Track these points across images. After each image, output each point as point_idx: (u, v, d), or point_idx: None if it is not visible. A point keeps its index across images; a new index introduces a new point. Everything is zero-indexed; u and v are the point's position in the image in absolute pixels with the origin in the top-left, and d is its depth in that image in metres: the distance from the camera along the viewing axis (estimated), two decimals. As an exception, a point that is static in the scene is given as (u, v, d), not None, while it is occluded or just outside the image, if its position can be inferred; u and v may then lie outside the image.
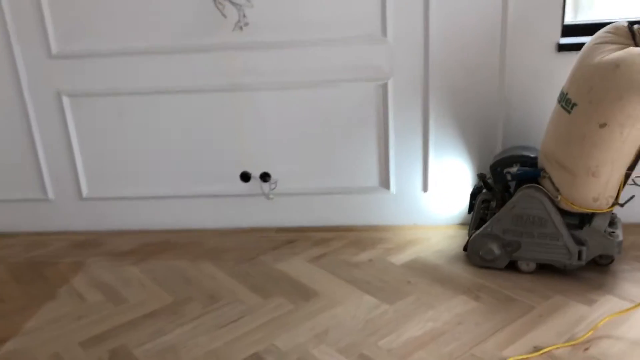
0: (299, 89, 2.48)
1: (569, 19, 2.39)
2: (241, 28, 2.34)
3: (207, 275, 2.33)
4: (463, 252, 2.33)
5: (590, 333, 1.80)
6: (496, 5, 2.28)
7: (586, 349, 1.74)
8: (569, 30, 2.35)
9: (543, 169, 2.09)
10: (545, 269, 2.16)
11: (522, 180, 2.14)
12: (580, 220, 2.11)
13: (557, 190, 2.04)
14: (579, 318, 1.89)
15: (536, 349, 1.76)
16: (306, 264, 2.36)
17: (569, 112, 1.94)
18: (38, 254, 2.59)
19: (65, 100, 2.57)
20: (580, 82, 1.92)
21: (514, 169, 2.15)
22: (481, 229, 2.19)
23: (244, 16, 2.32)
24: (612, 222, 2.15)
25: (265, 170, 2.63)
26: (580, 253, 2.08)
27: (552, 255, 2.11)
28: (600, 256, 2.15)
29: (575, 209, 2.04)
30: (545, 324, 1.88)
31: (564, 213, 2.08)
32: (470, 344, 1.80)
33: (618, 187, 2.01)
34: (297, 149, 2.58)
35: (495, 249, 2.17)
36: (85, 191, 2.72)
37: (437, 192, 2.58)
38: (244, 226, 2.72)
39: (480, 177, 2.35)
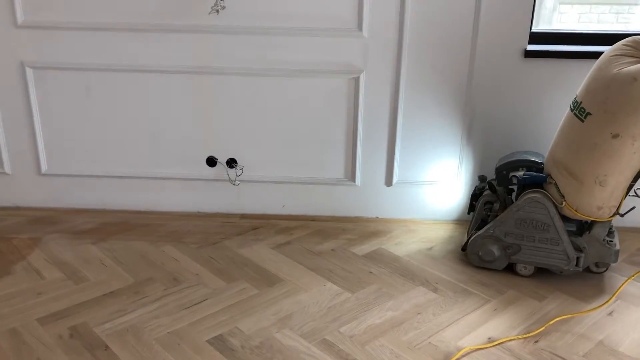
0: (270, 77, 2.49)
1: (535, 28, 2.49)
2: (217, 11, 2.33)
3: (169, 257, 2.32)
4: (461, 251, 2.38)
5: (542, 328, 1.90)
6: (469, 8, 2.35)
7: (536, 342, 1.84)
8: (536, 37, 2.45)
9: (549, 175, 2.12)
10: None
11: (528, 184, 2.18)
12: (579, 227, 2.18)
13: (562, 196, 2.07)
14: (530, 312, 1.99)
15: (491, 340, 1.84)
16: (270, 250, 2.39)
17: (582, 121, 1.97)
18: (-8, 228, 2.52)
19: (29, 72, 2.50)
20: (596, 92, 1.94)
21: (520, 173, 2.19)
22: (483, 230, 2.21)
23: (221, 0, 2.31)
24: (610, 232, 2.21)
25: (232, 156, 2.63)
26: (578, 259, 2.14)
27: (550, 260, 2.15)
28: (597, 264, 2.22)
29: (579, 216, 2.08)
30: (499, 317, 1.97)
31: (564, 219, 2.13)
32: (429, 333, 1.87)
33: (621, 198, 2.06)
34: (266, 136, 2.59)
35: (496, 250, 2.20)
36: (44, 167, 2.65)
37: (401, 187, 2.64)
38: (207, 211, 2.72)
39: (482, 178, 2.42)
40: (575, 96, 2.08)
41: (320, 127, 2.57)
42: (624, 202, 2.08)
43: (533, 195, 2.12)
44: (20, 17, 2.42)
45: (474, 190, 2.41)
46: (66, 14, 2.42)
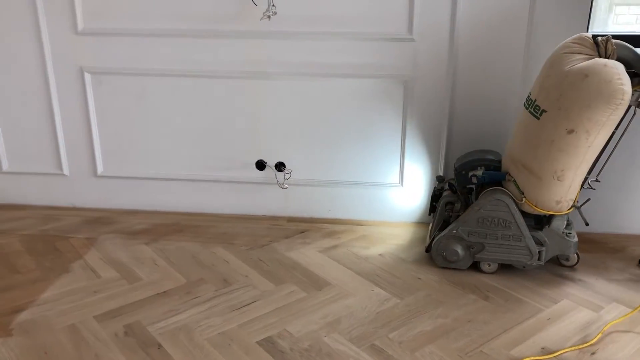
0: (320, 81, 2.51)
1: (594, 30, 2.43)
2: (269, 17, 2.37)
3: (220, 259, 2.36)
4: (426, 253, 2.39)
5: (597, 337, 1.85)
6: (523, 11, 2.31)
7: (593, 354, 1.79)
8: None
9: (508, 172, 2.17)
10: (506, 269, 2.21)
11: (487, 183, 2.23)
12: (538, 222, 2.22)
13: (522, 193, 2.12)
14: (586, 323, 1.94)
15: (544, 350, 1.80)
16: (318, 254, 2.40)
17: (538, 118, 2.03)
18: (51, 227, 2.61)
19: (87, 77, 2.59)
20: (549, 90, 2.00)
21: (479, 172, 2.22)
22: (446, 230, 2.24)
23: (273, 5, 2.34)
24: (568, 224, 2.25)
25: (281, 159, 2.66)
26: (540, 253, 2.18)
27: (514, 255, 2.20)
28: (559, 257, 2.30)
29: (538, 211, 2.13)
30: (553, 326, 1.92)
31: (523, 215, 2.17)
32: (480, 342, 1.84)
33: (578, 190, 2.12)
34: (315, 140, 2.61)
35: (460, 250, 2.22)
36: (100, 168, 2.74)
37: (449, 192, 2.61)
38: (255, 213, 2.76)
39: (440, 179, 2.45)
40: (528, 94, 2.12)
41: (368, 131, 2.57)
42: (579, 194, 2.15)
43: (492, 193, 2.15)
44: (80, 24, 2.51)
45: (433, 191, 2.44)
46: (123, 21, 2.50)
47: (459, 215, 2.25)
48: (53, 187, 2.78)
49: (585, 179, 2.13)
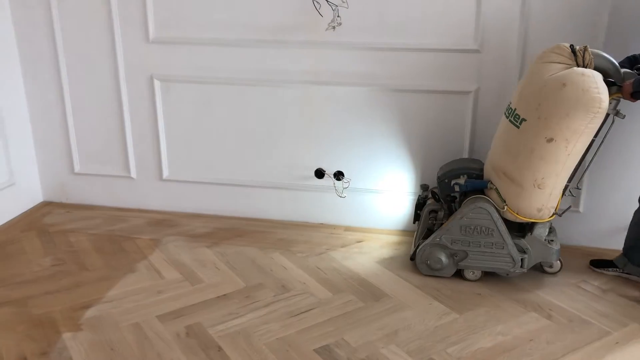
0: (381, 91, 2.51)
1: None
2: (334, 28, 2.39)
3: (278, 264, 2.39)
4: (410, 261, 2.38)
5: (668, 365, 1.76)
6: (600, 15, 2.24)
7: (664, 381, 1.71)
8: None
9: (490, 181, 2.18)
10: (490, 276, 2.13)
11: (469, 191, 2.22)
12: (521, 229, 2.21)
13: (504, 201, 2.12)
14: (656, 349, 1.85)
15: (611, 374, 1.73)
16: (375, 264, 2.39)
17: (518, 127, 2.03)
18: (118, 228, 2.72)
19: (157, 84, 2.69)
20: (529, 99, 2.00)
21: (462, 181, 2.23)
22: (429, 238, 2.25)
23: (338, 16, 2.37)
24: (550, 231, 2.24)
25: (340, 168, 2.67)
26: (522, 261, 2.18)
27: (497, 263, 2.20)
28: (542, 264, 2.30)
29: (520, 219, 2.13)
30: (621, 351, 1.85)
31: (506, 223, 2.17)
32: (542, 362, 1.79)
33: (559, 198, 2.12)
34: (375, 150, 2.61)
35: (444, 258, 2.23)
36: (165, 173, 2.83)
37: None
38: (312, 221, 2.77)
39: (424, 187, 2.46)
40: (509, 103, 2.12)
41: (429, 143, 2.55)
42: (560, 202, 2.15)
43: (474, 201, 2.17)
44: (152, 34, 2.61)
45: (417, 199, 2.45)
46: (191, 30, 2.58)
47: (442, 224, 2.26)
48: (121, 189, 2.89)
49: (566, 186, 2.13)
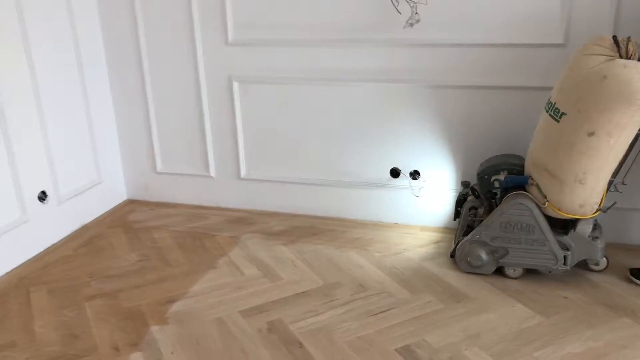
0: (459, 89, 2.47)
1: None
2: (412, 25, 2.37)
3: (354, 263, 2.39)
4: (450, 258, 2.36)
5: None
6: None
7: None
8: None
9: (530, 177, 2.13)
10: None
11: (510, 187, 2.19)
12: (564, 226, 2.16)
13: (545, 197, 2.08)
14: None
15: None
16: (453, 265, 2.35)
17: (558, 121, 1.99)
18: (198, 225, 2.81)
19: (235, 85, 2.75)
20: (569, 92, 1.97)
21: (502, 177, 2.22)
22: (469, 235, 2.23)
23: (416, 13, 2.34)
24: (595, 228, 2.18)
25: (416, 168, 2.65)
26: (565, 258, 2.13)
27: (538, 260, 2.16)
28: (588, 262, 2.23)
29: (562, 215, 2.07)
30: None
31: (549, 219, 2.12)
32: (638, 370, 1.71)
33: (602, 194, 2.05)
34: (451, 149, 2.57)
35: (484, 255, 2.20)
36: (243, 171, 2.89)
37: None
38: (387, 221, 2.76)
39: (465, 184, 2.44)
40: (549, 97, 2.08)
41: (509, 142, 2.47)
42: (605, 197, 2.08)
43: (515, 197, 2.14)
44: (231, 36, 2.68)
45: (458, 196, 2.42)
46: (269, 32, 2.62)
47: (482, 220, 2.22)
48: (200, 188, 2.98)
49: (611, 182, 2.06)
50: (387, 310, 2.06)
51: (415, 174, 2.65)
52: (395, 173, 2.68)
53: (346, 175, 2.75)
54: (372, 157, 2.69)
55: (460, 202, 2.42)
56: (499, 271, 2.23)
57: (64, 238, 2.67)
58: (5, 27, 2.31)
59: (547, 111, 2.08)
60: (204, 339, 1.94)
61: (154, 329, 1.99)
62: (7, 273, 2.37)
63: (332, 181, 2.78)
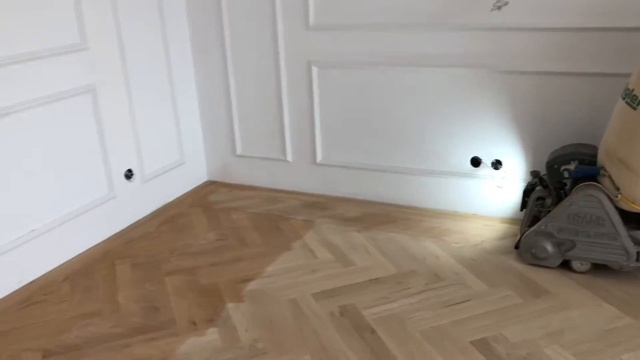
0: (538, 76, 2.35)
1: None
2: (499, 8, 2.27)
3: (430, 253, 2.34)
4: (515, 250, 2.27)
5: None
6: None
7: None
8: None
9: (603, 167, 2.04)
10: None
11: (580, 178, 2.10)
12: (638, 220, 2.02)
13: (617, 189, 1.97)
14: None
15: None
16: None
17: (635, 109, 1.88)
18: (275, 208, 2.85)
19: (314, 70, 2.75)
20: None
21: (572, 167, 2.14)
22: (535, 226, 2.14)
23: (504, -5, 2.25)
24: None
25: (498, 157, 2.55)
26: (638, 254, 2.01)
27: (608, 255, 2.05)
28: None
29: (636, 208, 1.96)
30: None
31: (621, 212, 2.00)
32: None
33: None
34: (532, 139, 2.45)
35: (549, 247, 2.12)
36: (319, 157, 2.90)
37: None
38: (465, 212, 2.68)
39: (534, 174, 2.33)
40: (627, 84, 1.97)
41: (582, 131, 2.33)
42: None
43: (585, 188, 2.03)
44: (311, 20, 2.68)
45: (526, 185, 2.34)
46: (348, 16, 2.60)
47: (549, 211, 2.11)
48: (277, 172, 3.02)
49: None
50: (462, 302, 2.00)
51: (497, 164, 2.55)
52: (476, 162, 2.59)
53: (424, 163, 2.70)
54: (452, 145, 2.62)
55: (527, 192, 2.34)
56: (565, 265, 2.14)
57: (147, 215, 2.79)
58: (100, 12, 2.43)
59: (623, 98, 1.96)
60: (277, 318, 1.96)
61: (230, 306, 2.04)
62: (94, 246, 2.51)
63: (409, 169, 2.73)
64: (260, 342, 1.84)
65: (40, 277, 2.27)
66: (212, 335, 1.89)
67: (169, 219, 2.77)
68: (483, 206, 2.64)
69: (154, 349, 1.83)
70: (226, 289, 2.15)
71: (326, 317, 1.95)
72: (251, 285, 2.17)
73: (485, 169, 2.58)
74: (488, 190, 2.60)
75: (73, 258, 2.41)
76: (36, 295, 2.17)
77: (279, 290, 2.13)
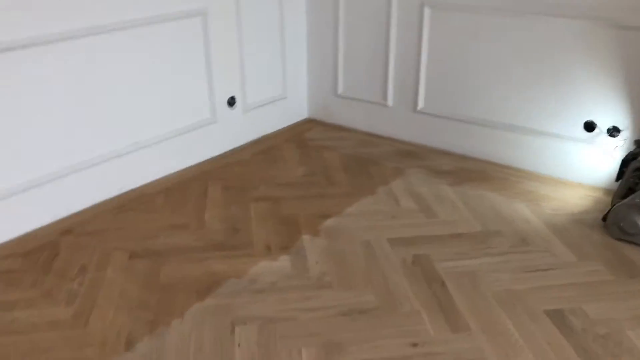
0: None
1: None
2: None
3: (520, 216, 2.21)
4: (602, 221, 2.10)
5: None
6: None
7: None
8: None
9: None
10: None
11: None
12: None
13: None
14: None
15: None
16: None
17: None
18: (367, 152, 2.81)
19: (427, 11, 2.63)
20: None
21: None
22: (628, 199, 1.99)
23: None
24: None
25: (616, 123, 2.31)
26: None
27: None
28: None
29: None
30: None
31: None
32: None
33: None
34: (665, 107, 2.19)
35: None
36: (420, 104, 2.80)
37: None
38: (570, 179, 2.48)
39: (638, 143, 2.18)
40: None
41: None
42: None
43: None
44: (429, -41, 2.54)
45: (626, 155, 2.19)
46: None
47: None
48: (376, 116, 2.96)
49: None
50: (546, 270, 1.88)
51: (613, 131, 2.32)
52: (589, 127, 2.37)
53: (531, 122, 2.51)
54: (564, 105, 2.41)
55: (626, 162, 2.15)
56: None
57: (245, 144, 2.87)
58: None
59: None
60: (348, 256, 1.97)
61: (305, 237, 2.07)
62: (192, 166, 2.64)
63: (513, 126, 2.56)
64: (327, 276, 1.86)
65: (139, 187, 2.44)
66: (283, 262, 1.94)
67: (264, 150, 2.83)
68: (589, 175, 2.43)
69: (229, 266, 1.91)
70: (305, 222, 2.18)
71: (397, 263, 1.92)
72: (329, 222, 2.18)
73: (600, 136, 2.35)
74: (598, 158, 2.38)
75: (170, 174, 2.55)
76: (132, 203, 2.33)
77: (356, 230, 2.12)
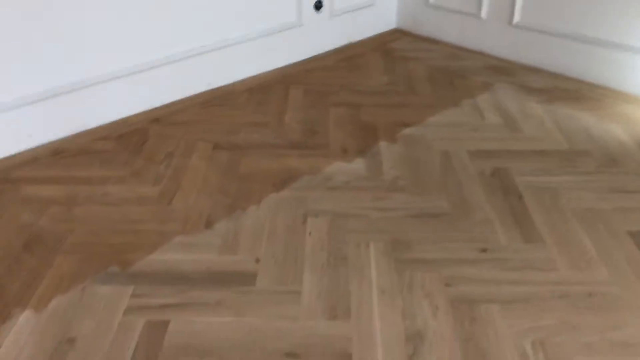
0: None
1: None
2: None
3: (613, 137, 2.08)
4: None
5: None
6: None
7: None
8: None
9: None
10: None
11: None
12: None
13: None
14: None
15: None
16: None
17: None
18: (454, 64, 2.71)
19: None
20: None
21: None
22: None
23: None
24: None
25: None
26: None
27: None
28: None
29: None
30: None
31: None
32: None
33: None
34: None
35: None
36: (517, 17, 2.63)
37: None
38: (676, 105, 2.29)
39: None
40: None
41: None
42: None
43: None
44: None
45: None
46: None
47: None
48: (467, 28, 2.82)
49: None
50: (634, 192, 1.78)
51: None
52: None
53: (634, 39, 2.31)
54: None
55: None
56: None
57: (329, 50, 2.85)
58: None
59: None
60: (424, 163, 1.95)
61: (382, 144, 2.07)
62: (275, 68, 2.66)
63: (614, 43, 2.36)
64: (401, 180, 1.86)
65: (225, 85, 2.50)
66: (358, 164, 1.95)
67: (348, 57, 2.80)
68: (700, 101, 2.23)
69: (304, 163, 1.95)
70: (383, 129, 2.16)
71: (475, 174, 1.89)
72: (408, 130, 2.15)
73: None
74: None
75: (255, 75, 2.59)
76: (218, 99, 2.40)
77: (435, 140, 2.08)
